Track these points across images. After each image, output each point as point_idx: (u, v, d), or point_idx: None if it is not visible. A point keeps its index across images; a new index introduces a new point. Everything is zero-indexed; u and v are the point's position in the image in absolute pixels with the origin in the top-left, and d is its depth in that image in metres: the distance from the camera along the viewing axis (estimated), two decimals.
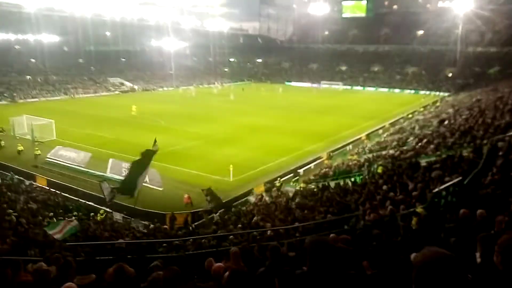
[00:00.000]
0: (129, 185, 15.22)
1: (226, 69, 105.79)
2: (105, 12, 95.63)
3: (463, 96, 51.11)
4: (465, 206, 7.20)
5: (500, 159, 10.39)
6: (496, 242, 3.67)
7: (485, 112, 23.85)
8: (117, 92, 73.32)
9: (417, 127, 31.72)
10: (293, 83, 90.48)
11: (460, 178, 9.78)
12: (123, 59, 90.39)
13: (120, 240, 10.67)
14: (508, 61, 72.86)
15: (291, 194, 19.38)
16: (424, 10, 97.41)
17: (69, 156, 27.35)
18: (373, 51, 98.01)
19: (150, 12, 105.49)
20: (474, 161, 11.76)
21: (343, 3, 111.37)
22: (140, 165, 15.24)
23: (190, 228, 15.66)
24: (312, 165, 27.60)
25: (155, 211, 18.90)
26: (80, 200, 20.69)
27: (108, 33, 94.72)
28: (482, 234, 4.46)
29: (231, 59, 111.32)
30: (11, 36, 77.94)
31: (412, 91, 75.69)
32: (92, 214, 18.03)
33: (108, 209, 18.78)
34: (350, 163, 23.90)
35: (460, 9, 77.28)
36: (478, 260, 4.15)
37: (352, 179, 19.20)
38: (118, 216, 18.52)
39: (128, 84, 78.73)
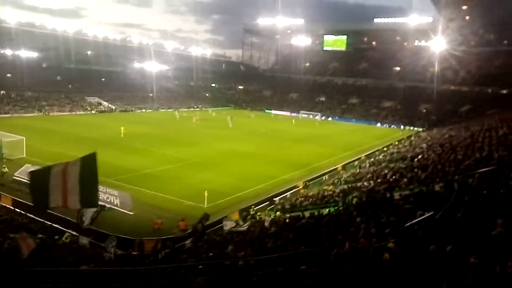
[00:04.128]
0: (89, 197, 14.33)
1: (207, 94, 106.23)
2: (88, 31, 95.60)
3: (436, 131, 52.62)
4: (436, 241, 7.21)
5: (469, 195, 10.55)
6: (464, 283, 3.64)
7: (457, 149, 24.45)
8: (93, 112, 72.24)
9: (391, 161, 32.21)
10: (273, 111, 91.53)
11: (432, 212, 9.86)
12: (103, 79, 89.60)
13: (83, 267, 10.10)
14: (478, 100, 76.07)
15: (266, 223, 19.07)
16: (402, 47, 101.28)
17: None
18: (351, 84, 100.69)
19: (134, 34, 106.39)
20: (445, 196, 11.90)
21: (325, 37, 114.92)
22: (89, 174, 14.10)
23: (159, 255, 15.06)
24: (288, 193, 27.40)
25: (124, 236, 18.21)
26: (46, 222, 19.76)
27: (89, 52, 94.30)
28: (449, 272, 4.44)
29: (213, 85, 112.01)
30: None
31: (388, 125, 77.72)
32: (56, 237, 17.17)
33: (74, 233, 17.98)
34: (326, 193, 23.90)
35: (435, 48, 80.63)
36: None
37: (327, 210, 19.11)
38: (84, 240, 17.70)
39: (105, 104, 77.81)
